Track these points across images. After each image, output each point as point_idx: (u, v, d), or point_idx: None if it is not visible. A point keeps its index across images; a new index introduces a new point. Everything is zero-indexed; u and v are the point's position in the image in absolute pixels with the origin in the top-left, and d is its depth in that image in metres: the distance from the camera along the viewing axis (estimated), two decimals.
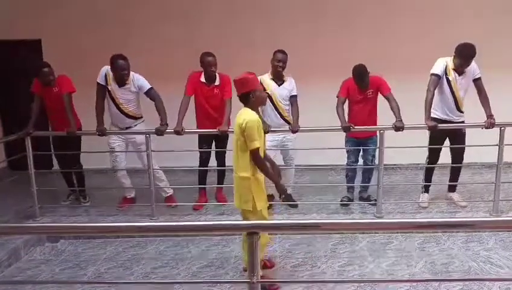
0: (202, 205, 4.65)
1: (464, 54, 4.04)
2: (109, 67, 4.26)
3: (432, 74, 4.19)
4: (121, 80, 4.25)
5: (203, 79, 4.38)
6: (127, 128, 4.45)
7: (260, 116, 3.12)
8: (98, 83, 4.32)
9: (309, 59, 5.48)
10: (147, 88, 4.32)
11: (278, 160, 4.55)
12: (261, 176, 3.12)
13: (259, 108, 3.25)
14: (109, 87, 4.29)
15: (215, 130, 4.25)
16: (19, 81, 5.74)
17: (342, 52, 5.38)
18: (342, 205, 4.59)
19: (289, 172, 4.64)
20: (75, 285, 3.40)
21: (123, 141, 4.51)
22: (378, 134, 4.27)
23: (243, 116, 3.00)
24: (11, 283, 3.53)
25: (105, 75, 4.28)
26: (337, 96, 4.35)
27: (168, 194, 4.75)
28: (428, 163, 4.48)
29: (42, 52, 5.76)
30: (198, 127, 4.54)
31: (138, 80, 4.32)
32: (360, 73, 4.21)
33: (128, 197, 4.70)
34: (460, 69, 4.13)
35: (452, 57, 4.17)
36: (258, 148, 2.96)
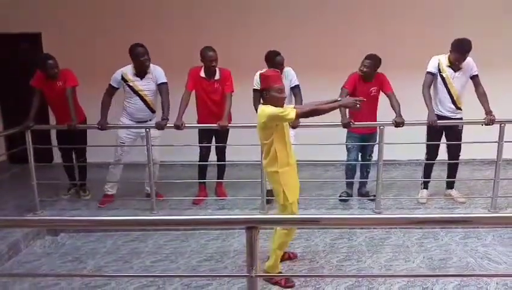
0: (202, 199, 4.67)
1: (460, 49, 4.06)
2: (122, 69, 4.30)
3: (426, 72, 4.24)
4: (142, 67, 4.25)
5: (202, 74, 4.38)
6: (142, 122, 4.45)
7: None
8: (110, 85, 4.32)
9: (309, 56, 5.47)
10: (162, 81, 4.35)
11: None
12: (290, 167, 3.14)
13: None
14: (130, 84, 4.30)
15: (214, 125, 4.26)
16: (19, 74, 5.75)
17: (342, 50, 5.39)
18: (340, 200, 4.61)
19: None
20: (75, 278, 3.42)
21: (134, 136, 4.51)
22: (378, 130, 4.28)
23: (261, 112, 3.02)
24: (11, 275, 3.55)
25: (122, 77, 4.30)
26: (342, 88, 4.30)
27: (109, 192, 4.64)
28: (427, 159, 4.50)
29: (42, 46, 5.76)
30: (199, 122, 4.54)
31: (157, 70, 4.35)
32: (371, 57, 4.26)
33: (109, 193, 4.63)
34: (457, 64, 4.14)
35: (447, 54, 4.19)
36: (295, 114, 2.95)
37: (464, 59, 4.11)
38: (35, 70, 4.43)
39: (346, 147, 4.55)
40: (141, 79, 4.33)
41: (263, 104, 3.08)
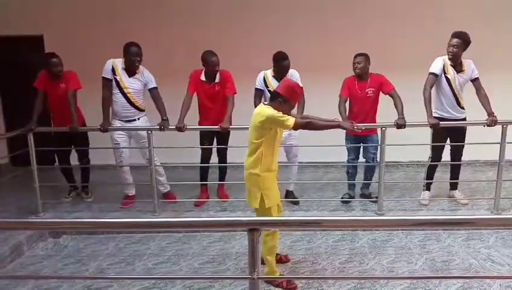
0: (204, 201, 4.67)
1: (461, 36, 4.04)
2: (114, 60, 4.30)
3: (430, 73, 4.21)
4: (132, 66, 4.28)
5: (203, 78, 4.39)
6: (130, 120, 4.44)
7: None
8: (103, 78, 4.32)
9: (309, 56, 5.48)
10: (153, 86, 4.39)
11: (281, 157, 4.56)
12: (271, 173, 3.12)
13: None
14: (117, 78, 4.30)
15: (216, 126, 4.27)
16: (22, 77, 5.77)
17: (343, 50, 5.36)
18: (342, 202, 4.60)
19: (292, 169, 4.65)
20: (77, 280, 3.42)
21: (127, 136, 4.51)
22: (379, 132, 4.26)
23: (260, 110, 2.99)
24: (13, 278, 3.56)
25: (112, 68, 4.29)
26: (339, 96, 4.35)
27: (167, 190, 4.77)
28: (431, 161, 4.49)
29: (44, 48, 5.77)
30: (200, 124, 4.55)
31: (148, 74, 4.39)
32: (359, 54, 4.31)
33: (130, 194, 4.69)
34: (454, 52, 4.08)
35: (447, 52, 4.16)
36: (294, 123, 2.95)
37: (464, 49, 4.08)
38: (39, 72, 4.45)
39: (346, 147, 4.56)
40: (129, 76, 4.33)
41: (268, 104, 3.05)
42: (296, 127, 2.99)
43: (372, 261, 3.61)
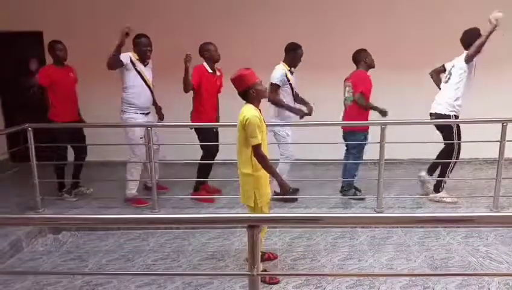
0: (213, 198, 4.63)
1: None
2: (129, 53, 4.26)
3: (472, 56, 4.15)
4: (145, 57, 4.30)
5: (209, 70, 4.42)
6: (147, 113, 4.49)
7: (260, 112, 3.11)
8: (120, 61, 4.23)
9: (312, 53, 5.45)
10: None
11: (276, 155, 4.55)
12: (263, 172, 3.12)
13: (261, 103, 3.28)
14: (138, 69, 4.31)
15: (217, 124, 4.29)
16: (20, 72, 5.76)
17: (346, 47, 5.36)
18: (359, 198, 4.59)
19: (279, 166, 4.62)
20: (77, 276, 3.42)
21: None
22: (380, 129, 4.23)
23: (244, 113, 3.02)
24: (12, 273, 3.56)
25: (131, 60, 4.26)
26: (361, 93, 4.29)
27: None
28: (458, 155, 4.38)
29: (44, 45, 5.76)
30: (203, 120, 4.46)
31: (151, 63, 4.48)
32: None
33: (136, 195, 4.56)
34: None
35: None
36: (259, 144, 2.98)
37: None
38: (41, 69, 4.44)
39: (363, 148, 4.51)
40: (145, 67, 4.37)
41: (248, 102, 3.07)
42: (254, 149, 2.98)
43: (371, 259, 3.61)
